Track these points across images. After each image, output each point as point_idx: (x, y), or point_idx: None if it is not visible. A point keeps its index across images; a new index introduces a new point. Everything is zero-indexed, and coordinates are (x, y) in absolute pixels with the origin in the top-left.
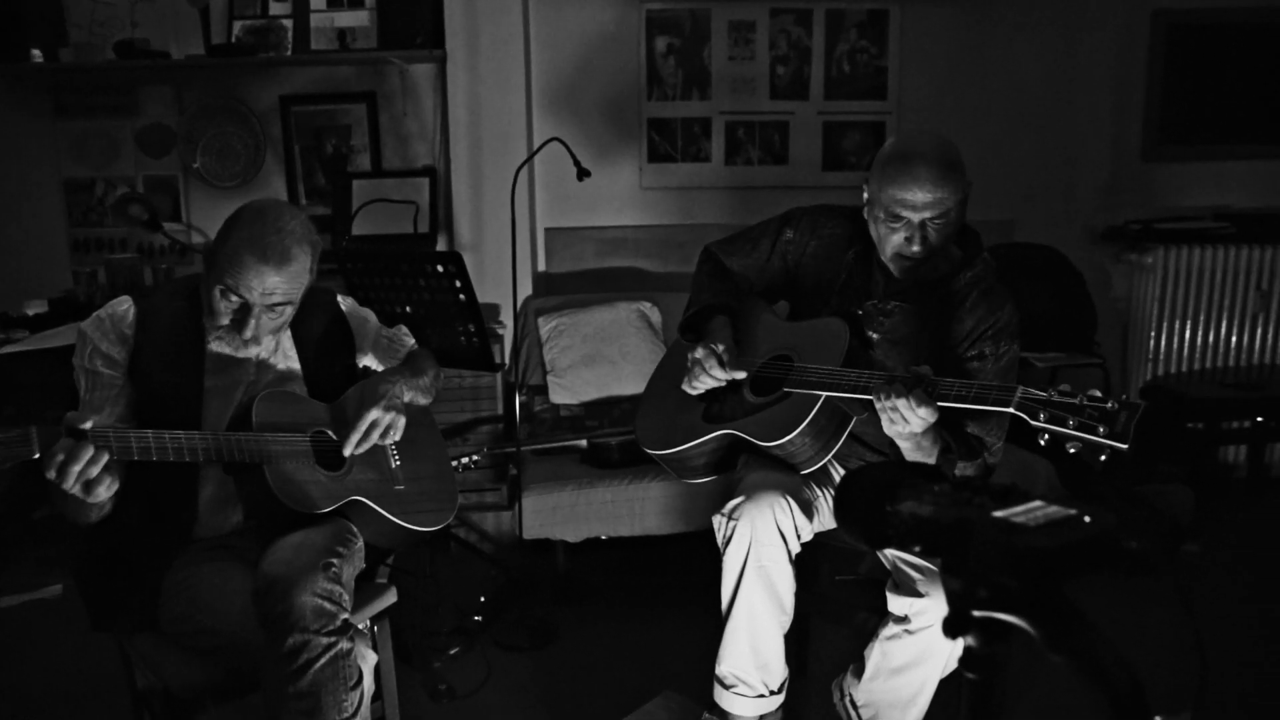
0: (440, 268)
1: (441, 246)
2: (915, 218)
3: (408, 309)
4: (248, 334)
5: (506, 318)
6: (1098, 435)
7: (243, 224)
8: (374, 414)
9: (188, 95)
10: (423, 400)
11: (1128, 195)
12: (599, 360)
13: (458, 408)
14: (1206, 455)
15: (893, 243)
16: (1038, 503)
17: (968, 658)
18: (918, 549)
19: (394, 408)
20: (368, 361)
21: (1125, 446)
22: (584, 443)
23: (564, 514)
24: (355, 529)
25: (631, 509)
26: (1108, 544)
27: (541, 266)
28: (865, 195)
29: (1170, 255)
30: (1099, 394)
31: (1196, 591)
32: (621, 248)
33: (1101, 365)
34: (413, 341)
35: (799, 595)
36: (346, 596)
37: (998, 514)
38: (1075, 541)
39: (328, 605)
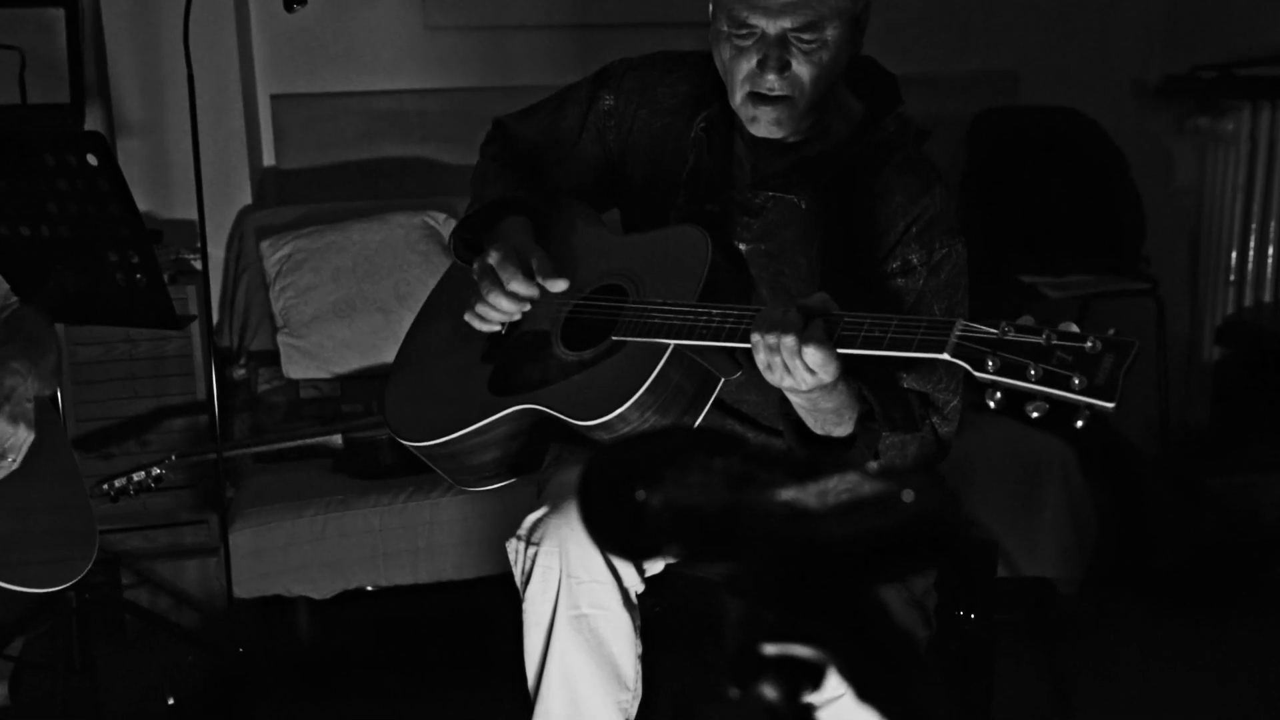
0: (75, 159)
1: (94, 126)
2: (771, 28)
3: (23, 230)
4: None
5: (214, 245)
6: (1071, 389)
7: None
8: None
9: None
10: (45, 392)
11: (1195, 29)
12: (361, 308)
13: (128, 390)
14: None
15: (741, 73)
16: (853, 476)
17: None
18: (675, 554)
19: (24, 418)
20: None
21: (1111, 405)
22: (338, 439)
23: (303, 555)
24: None
25: (413, 541)
26: (937, 533)
27: (268, 159)
28: (710, 7)
29: (1262, 119)
30: (1075, 329)
31: None
32: (397, 126)
33: (1153, 293)
34: (6, 289)
35: (686, 666)
36: None
37: (784, 495)
38: (889, 530)
39: None
